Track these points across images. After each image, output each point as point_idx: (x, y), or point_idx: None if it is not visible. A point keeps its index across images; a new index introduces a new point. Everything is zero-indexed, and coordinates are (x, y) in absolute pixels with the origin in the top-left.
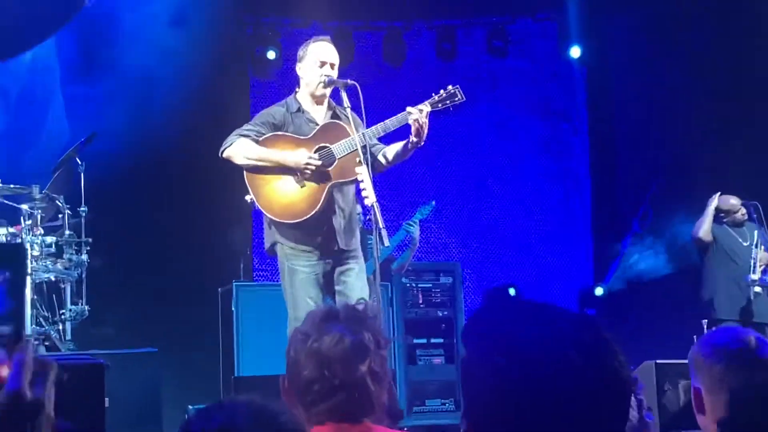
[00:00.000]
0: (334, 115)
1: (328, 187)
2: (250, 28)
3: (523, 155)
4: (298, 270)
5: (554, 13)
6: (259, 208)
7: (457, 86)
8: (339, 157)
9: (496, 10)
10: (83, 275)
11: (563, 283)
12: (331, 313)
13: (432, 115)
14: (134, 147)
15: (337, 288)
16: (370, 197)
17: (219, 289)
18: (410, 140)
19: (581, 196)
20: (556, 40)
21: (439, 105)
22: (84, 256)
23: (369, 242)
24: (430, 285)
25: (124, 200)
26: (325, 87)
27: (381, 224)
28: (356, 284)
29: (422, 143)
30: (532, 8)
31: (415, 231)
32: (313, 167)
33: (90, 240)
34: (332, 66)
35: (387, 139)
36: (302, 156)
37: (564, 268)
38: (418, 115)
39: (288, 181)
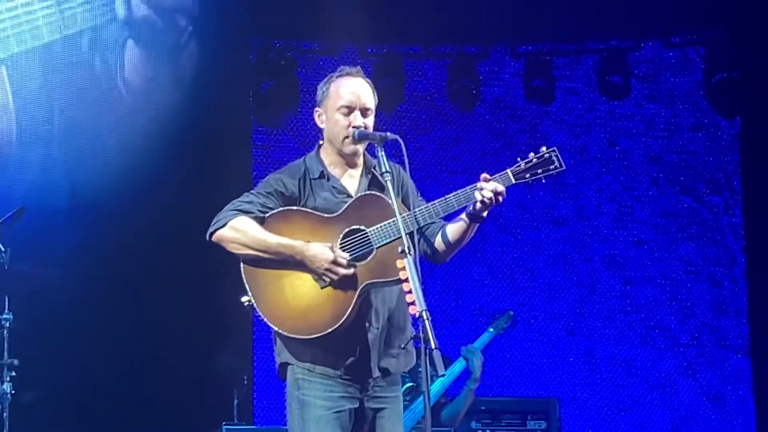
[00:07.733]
0: (374, 182)
1: (360, 288)
2: (255, 53)
3: (649, 242)
4: (312, 404)
5: (698, 35)
6: (261, 314)
7: (554, 149)
8: (378, 246)
9: (613, 31)
10: (4, 413)
11: None
12: None
13: (515, 186)
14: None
15: None
16: (418, 304)
17: None
18: (468, 211)
19: (736, 302)
20: (700, 74)
21: (527, 176)
22: (6, 386)
23: (418, 370)
24: None
25: (68, 304)
26: (354, 143)
27: (433, 343)
28: None
29: (484, 219)
30: (664, 28)
31: (476, 361)
32: (339, 273)
33: (15, 362)
34: (364, 112)
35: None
36: (322, 253)
37: (713, 412)
38: (491, 193)
39: (303, 277)
